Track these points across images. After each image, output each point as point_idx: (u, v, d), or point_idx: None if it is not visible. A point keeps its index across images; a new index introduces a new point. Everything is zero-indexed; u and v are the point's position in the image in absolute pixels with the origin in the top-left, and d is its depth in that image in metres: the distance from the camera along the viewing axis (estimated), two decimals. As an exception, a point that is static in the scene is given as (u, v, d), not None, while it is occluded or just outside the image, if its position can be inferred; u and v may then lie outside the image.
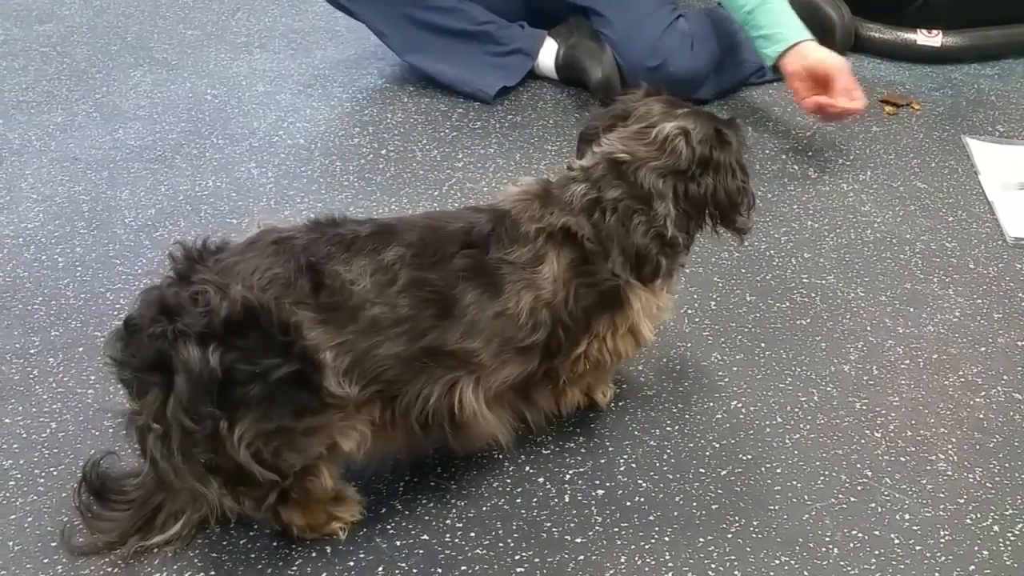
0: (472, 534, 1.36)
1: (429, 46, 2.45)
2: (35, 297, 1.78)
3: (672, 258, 1.40)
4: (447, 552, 1.33)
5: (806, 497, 1.43)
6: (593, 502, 1.41)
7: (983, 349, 1.72)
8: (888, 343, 1.73)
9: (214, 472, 1.20)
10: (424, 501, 1.40)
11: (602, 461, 1.48)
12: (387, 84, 2.52)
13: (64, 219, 1.99)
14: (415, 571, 1.31)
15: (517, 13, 2.52)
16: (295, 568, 1.31)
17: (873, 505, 1.42)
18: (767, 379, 1.64)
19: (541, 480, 1.45)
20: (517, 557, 1.33)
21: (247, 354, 1.15)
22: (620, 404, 1.58)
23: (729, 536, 1.37)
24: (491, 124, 2.36)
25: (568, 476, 1.45)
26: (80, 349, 1.65)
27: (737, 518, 1.39)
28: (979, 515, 1.41)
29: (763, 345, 1.71)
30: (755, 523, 1.39)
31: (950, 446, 1.53)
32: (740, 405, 1.59)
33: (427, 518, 1.38)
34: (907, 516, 1.41)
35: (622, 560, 1.33)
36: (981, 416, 1.58)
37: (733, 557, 1.34)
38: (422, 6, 2.43)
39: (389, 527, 1.37)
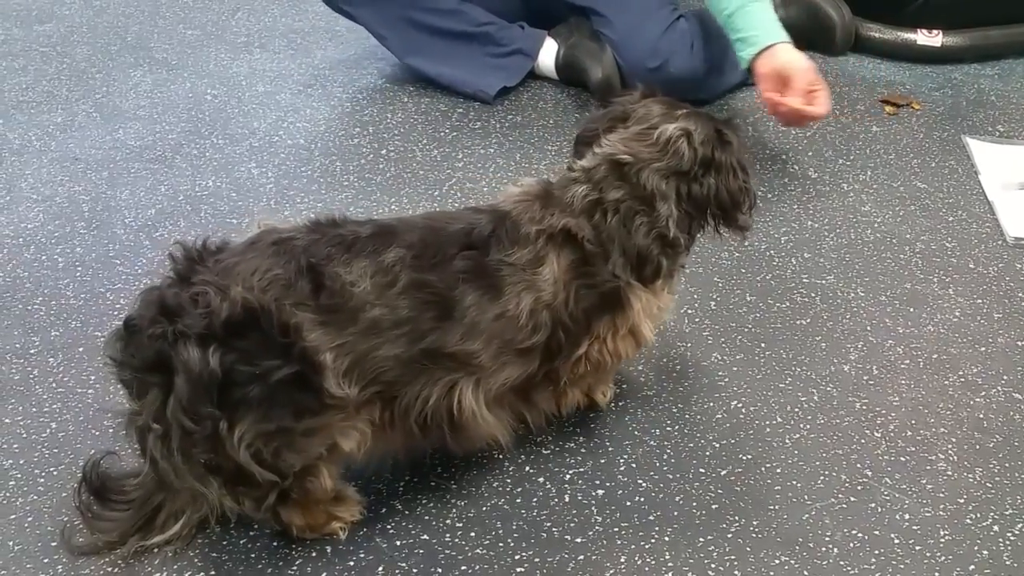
0: (472, 534, 1.36)
1: (429, 48, 2.45)
2: (35, 297, 1.78)
3: (673, 259, 1.40)
4: (447, 552, 1.33)
5: (806, 497, 1.43)
6: (593, 502, 1.41)
7: (983, 349, 1.72)
8: (888, 343, 1.73)
9: (214, 472, 1.20)
10: (424, 501, 1.41)
11: (602, 461, 1.48)
12: (387, 84, 2.52)
13: (64, 219, 1.99)
14: (415, 571, 1.31)
15: (517, 14, 2.52)
16: (295, 568, 1.31)
17: (873, 505, 1.42)
18: (767, 379, 1.64)
19: (541, 480, 1.45)
20: (517, 557, 1.33)
21: (247, 355, 1.15)
22: (620, 404, 1.58)
23: (729, 536, 1.37)
24: (491, 124, 2.36)
25: (568, 476, 1.45)
26: (80, 349, 1.65)
27: (737, 518, 1.40)
28: (979, 515, 1.41)
29: (763, 345, 1.71)
30: (755, 523, 1.39)
31: (950, 446, 1.53)
32: (740, 405, 1.59)
33: (427, 518, 1.38)
34: (907, 516, 1.41)
35: (622, 560, 1.33)
36: (981, 416, 1.58)
37: (733, 557, 1.34)
38: (421, 8, 2.42)
39: (389, 527, 1.37)
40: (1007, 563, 1.34)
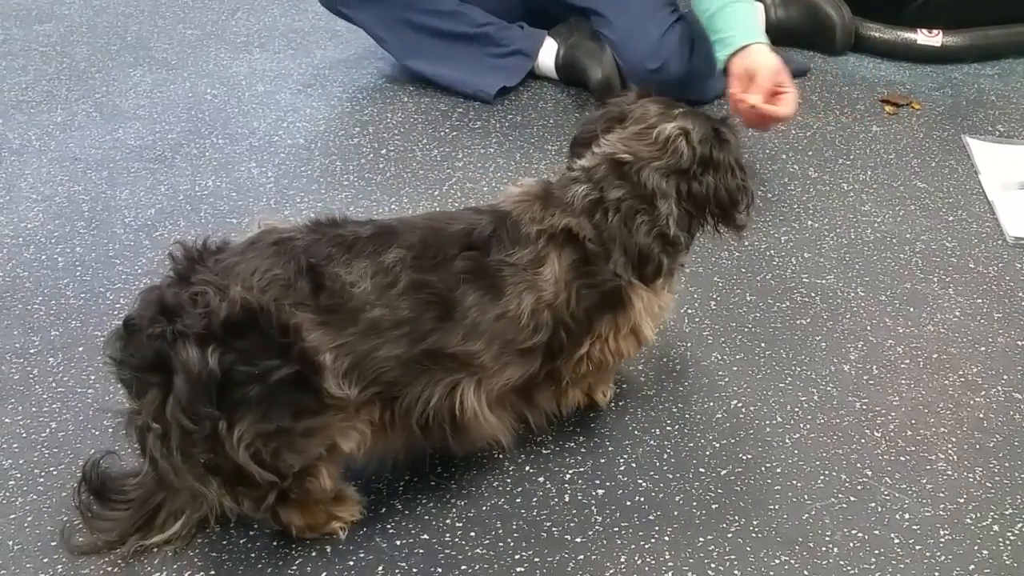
0: (472, 534, 1.36)
1: (429, 50, 2.45)
2: (35, 297, 1.78)
3: (673, 257, 1.40)
4: (447, 552, 1.33)
5: (806, 497, 1.43)
6: (593, 502, 1.41)
7: (983, 349, 1.72)
8: (888, 343, 1.73)
9: (213, 472, 1.20)
10: (424, 501, 1.40)
11: (602, 461, 1.48)
12: (387, 84, 2.52)
13: (64, 219, 1.99)
14: (415, 571, 1.31)
15: (516, 14, 2.52)
16: (295, 568, 1.31)
17: (873, 505, 1.42)
18: (767, 379, 1.64)
19: (541, 480, 1.45)
20: (517, 557, 1.33)
21: (246, 355, 1.15)
22: (620, 404, 1.58)
23: (729, 536, 1.37)
24: (491, 124, 2.36)
25: (568, 476, 1.45)
26: (80, 349, 1.65)
27: (737, 518, 1.39)
28: (979, 515, 1.41)
29: (763, 345, 1.71)
30: (755, 523, 1.39)
31: (950, 446, 1.53)
32: (740, 405, 1.59)
33: (427, 518, 1.38)
34: (907, 516, 1.41)
35: (622, 560, 1.33)
36: (981, 416, 1.58)
37: (733, 557, 1.34)
38: (421, 10, 2.42)
39: (389, 527, 1.37)
40: (1007, 563, 1.34)
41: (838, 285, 1.87)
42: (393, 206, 2.05)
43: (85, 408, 1.54)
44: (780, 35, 2.72)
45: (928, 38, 2.69)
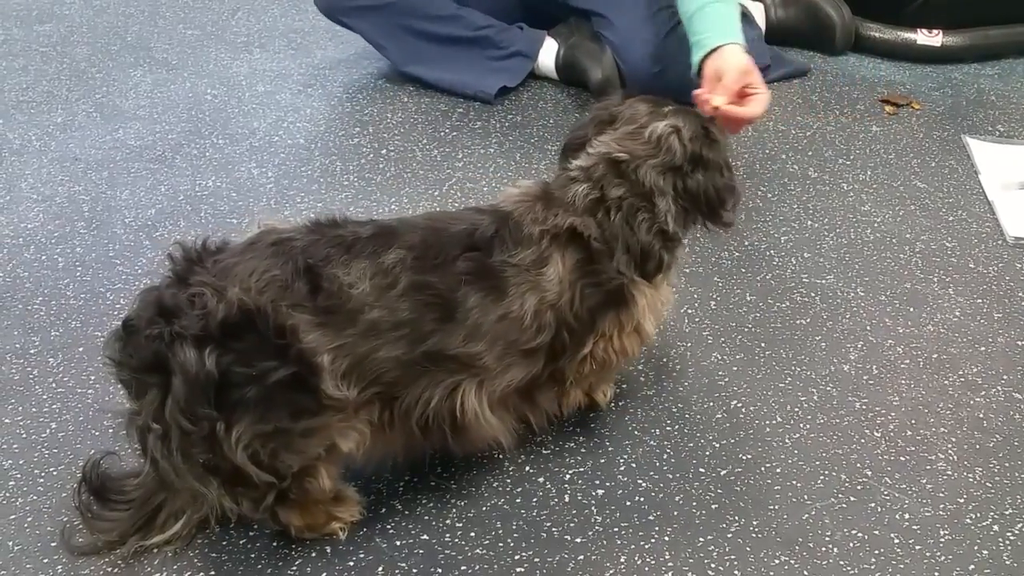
0: (472, 534, 1.36)
1: (429, 55, 2.45)
2: (35, 297, 1.78)
3: (672, 253, 1.42)
4: (447, 552, 1.33)
5: (806, 497, 1.43)
6: (593, 502, 1.41)
7: (983, 349, 1.72)
8: (888, 343, 1.73)
9: (213, 472, 1.20)
10: (424, 501, 1.40)
11: (602, 461, 1.48)
12: (387, 84, 2.52)
13: (64, 219, 1.99)
14: (415, 571, 1.31)
15: (516, 15, 2.52)
16: (295, 568, 1.31)
17: (873, 505, 1.42)
18: (767, 379, 1.64)
19: (541, 480, 1.45)
20: (517, 557, 1.33)
21: (243, 356, 1.15)
22: (620, 404, 1.58)
23: (729, 536, 1.37)
24: (491, 124, 2.36)
25: (568, 476, 1.45)
26: (80, 349, 1.65)
27: (737, 518, 1.40)
28: (979, 515, 1.41)
29: (763, 345, 1.71)
30: (755, 523, 1.39)
31: (950, 446, 1.53)
32: (740, 405, 1.59)
33: (427, 518, 1.38)
34: (907, 516, 1.41)
35: (622, 560, 1.33)
36: (981, 416, 1.58)
37: (733, 557, 1.34)
38: (419, 16, 2.42)
39: (389, 527, 1.37)
40: (1007, 563, 1.34)
41: (838, 285, 1.87)
42: (393, 206, 2.05)
43: (85, 408, 1.54)
44: (780, 35, 2.73)
45: (928, 38, 2.69)
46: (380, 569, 1.31)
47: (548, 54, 2.48)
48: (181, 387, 1.13)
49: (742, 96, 1.84)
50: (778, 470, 1.47)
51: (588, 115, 1.50)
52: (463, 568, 1.31)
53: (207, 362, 1.13)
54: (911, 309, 1.81)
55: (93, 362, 1.61)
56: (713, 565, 1.33)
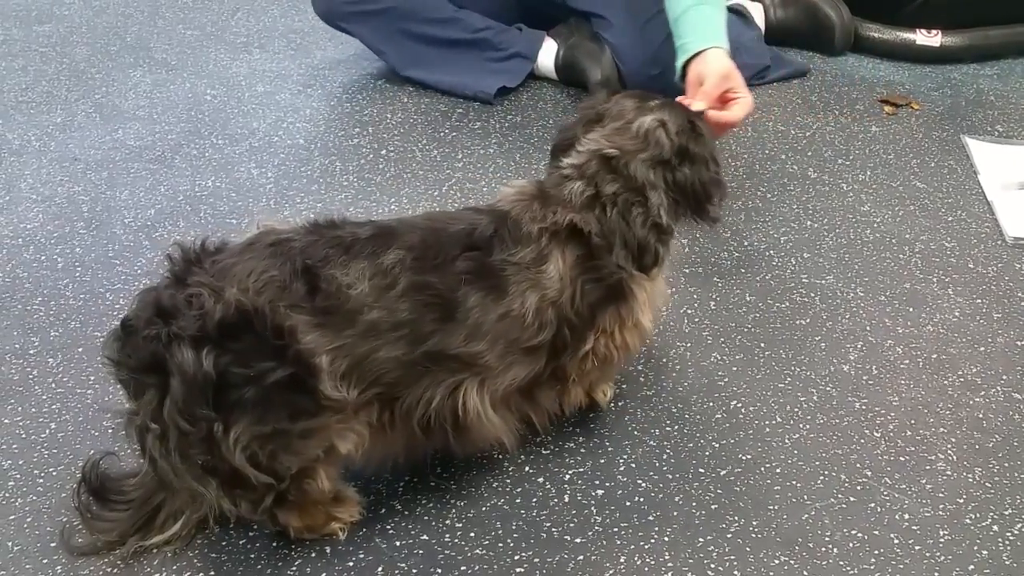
0: (472, 534, 1.36)
1: (428, 59, 2.45)
2: (35, 297, 1.78)
3: (667, 246, 1.43)
4: (447, 552, 1.33)
5: (806, 497, 1.43)
6: (593, 502, 1.41)
7: (983, 349, 1.72)
8: (888, 343, 1.73)
9: (211, 473, 1.20)
10: (424, 501, 1.40)
11: (602, 461, 1.48)
12: (387, 84, 2.52)
13: (64, 219, 1.99)
14: (415, 571, 1.31)
15: (514, 16, 2.52)
16: (295, 568, 1.31)
17: (873, 505, 1.42)
18: (767, 379, 1.64)
19: (541, 480, 1.45)
20: (517, 557, 1.33)
21: (241, 357, 1.14)
22: (620, 404, 1.58)
23: (729, 536, 1.37)
24: (491, 124, 2.36)
25: (568, 476, 1.45)
26: (80, 349, 1.65)
27: (737, 518, 1.39)
28: (978, 515, 1.41)
29: (763, 345, 1.71)
30: (755, 523, 1.39)
31: (950, 446, 1.53)
32: (740, 405, 1.59)
33: (427, 518, 1.38)
34: (907, 516, 1.41)
35: (622, 560, 1.33)
36: (981, 416, 1.58)
37: (733, 557, 1.34)
38: (418, 20, 2.42)
39: (389, 527, 1.37)
40: (1007, 563, 1.34)
41: (837, 285, 1.87)
42: (393, 206, 2.05)
43: (85, 409, 1.54)
44: (779, 35, 2.73)
45: (927, 38, 2.69)
46: (380, 569, 1.31)
47: (548, 55, 2.48)
48: (179, 388, 1.13)
49: (724, 101, 1.83)
50: (778, 470, 1.47)
51: (575, 116, 1.51)
52: (463, 568, 1.31)
53: (205, 363, 1.13)
54: (911, 309, 1.81)
55: (92, 362, 1.61)
56: (713, 565, 1.33)
